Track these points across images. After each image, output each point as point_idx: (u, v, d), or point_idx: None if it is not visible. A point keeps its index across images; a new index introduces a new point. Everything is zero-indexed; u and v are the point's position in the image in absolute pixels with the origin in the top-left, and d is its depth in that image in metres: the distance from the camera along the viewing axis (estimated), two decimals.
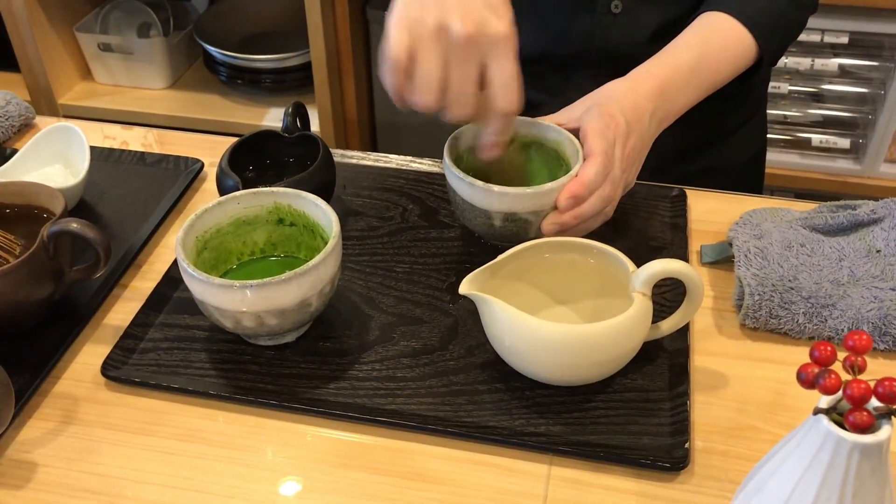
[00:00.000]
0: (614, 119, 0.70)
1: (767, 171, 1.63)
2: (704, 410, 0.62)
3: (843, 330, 0.66)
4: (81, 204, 0.81)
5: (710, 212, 0.80)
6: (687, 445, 0.58)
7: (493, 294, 0.61)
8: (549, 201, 0.68)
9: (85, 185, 0.80)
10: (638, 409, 0.61)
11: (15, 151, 0.84)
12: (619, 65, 0.76)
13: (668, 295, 0.70)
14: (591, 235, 0.69)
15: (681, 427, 0.60)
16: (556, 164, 0.75)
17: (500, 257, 0.64)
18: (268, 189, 0.68)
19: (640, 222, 0.78)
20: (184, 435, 0.61)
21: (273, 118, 1.67)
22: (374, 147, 1.82)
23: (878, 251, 0.70)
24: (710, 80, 0.77)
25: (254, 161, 0.79)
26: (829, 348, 0.39)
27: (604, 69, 0.76)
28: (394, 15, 0.62)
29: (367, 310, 0.69)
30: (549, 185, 0.68)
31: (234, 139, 0.78)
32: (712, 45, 0.77)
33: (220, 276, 0.68)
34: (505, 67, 0.62)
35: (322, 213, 0.66)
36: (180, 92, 1.75)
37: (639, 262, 0.74)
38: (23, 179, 0.78)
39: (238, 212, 0.68)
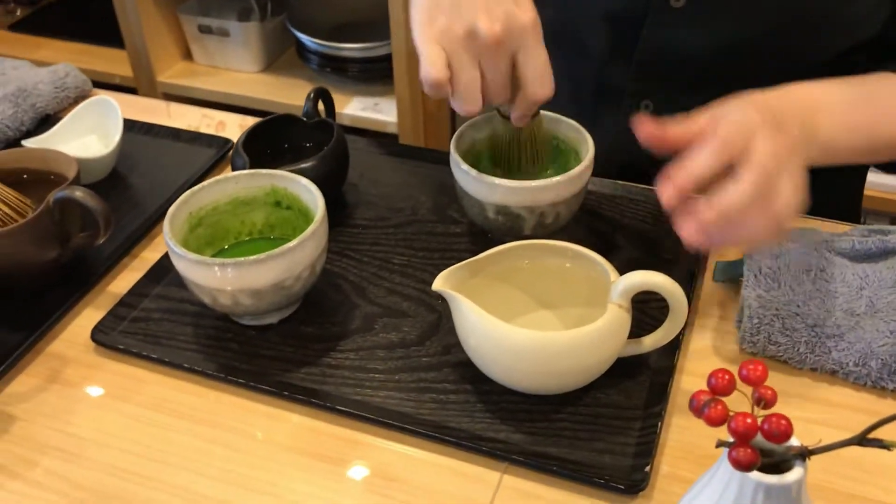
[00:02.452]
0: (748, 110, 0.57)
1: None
2: (680, 435, 0.59)
3: (847, 364, 0.61)
4: (113, 174, 0.84)
5: None
6: (648, 469, 0.55)
7: (472, 294, 0.59)
8: (544, 198, 0.66)
9: (117, 157, 0.83)
10: (606, 426, 0.59)
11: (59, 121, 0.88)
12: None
13: (652, 306, 0.66)
14: (587, 235, 0.67)
15: (646, 449, 0.56)
16: (574, 163, 0.72)
17: (478, 256, 0.62)
18: (266, 171, 0.68)
19: (655, 232, 0.74)
20: (154, 404, 0.62)
21: (356, 107, 1.70)
22: None
23: None
24: (873, 131, 0.65)
25: (273, 144, 0.80)
26: (727, 376, 0.35)
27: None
28: (419, 29, 0.63)
29: (355, 298, 0.69)
30: (542, 181, 0.66)
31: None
32: (884, 95, 0.66)
33: (215, 253, 0.69)
34: (535, 56, 0.62)
35: (313, 198, 0.66)
36: (271, 76, 1.80)
37: None
38: (59, 148, 0.82)
39: (236, 191, 0.69)
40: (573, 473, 0.55)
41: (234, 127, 0.94)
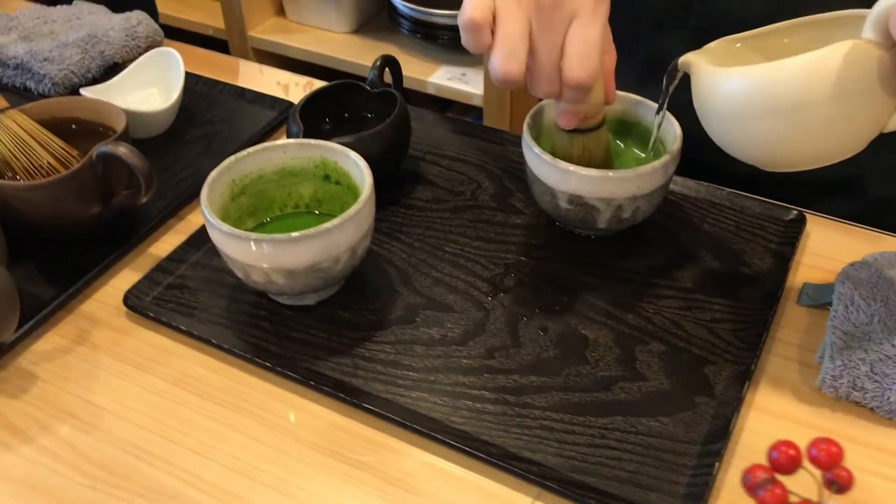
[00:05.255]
0: None
1: None
2: (740, 478, 0.52)
3: None
4: (171, 130, 0.81)
5: (834, 246, 0.68)
6: None
7: None
8: (622, 190, 0.60)
9: (177, 112, 0.80)
10: (657, 459, 0.52)
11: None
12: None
13: (725, 327, 0.59)
14: (660, 238, 0.60)
15: (698, 492, 0.50)
16: (657, 151, 0.66)
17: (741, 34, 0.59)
18: (316, 142, 0.64)
19: (740, 244, 0.67)
20: (177, 379, 0.59)
21: (442, 76, 1.64)
22: None
23: None
24: None
25: (334, 112, 0.75)
26: (792, 451, 0.29)
27: None
28: None
29: (398, 285, 0.64)
30: (622, 171, 0.60)
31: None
32: None
33: (257, 224, 0.65)
34: (585, 32, 0.54)
35: (361, 175, 0.61)
36: (361, 38, 1.75)
37: (722, 291, 0.64)
38: (117, 99, 0.79)
39: (284, 161, 0.64)
40: None
41: (299, 92, 0.90)
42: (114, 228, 0.69)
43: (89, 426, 0.57)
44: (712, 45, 0.59)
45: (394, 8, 1.70)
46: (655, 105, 0.66)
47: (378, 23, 1.79)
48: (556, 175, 0.62)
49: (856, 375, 0.54)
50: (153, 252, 0.69)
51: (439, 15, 1.63)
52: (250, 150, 0.63)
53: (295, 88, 0.90)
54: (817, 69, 0.48)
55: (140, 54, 0.91)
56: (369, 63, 1.79)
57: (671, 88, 0.61)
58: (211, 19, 1.83)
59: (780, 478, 0.30)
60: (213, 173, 0.61)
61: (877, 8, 0.48)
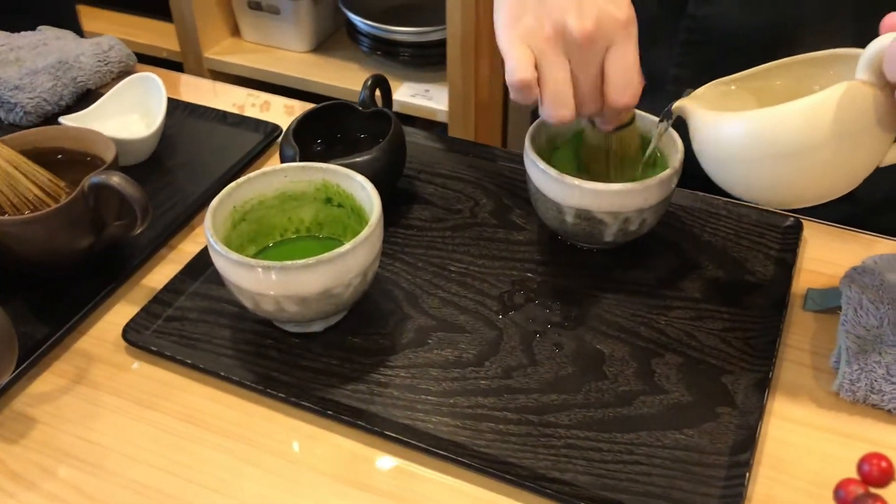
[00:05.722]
0: None
1: None
2: (768, 487, 0.52)
3: None
4: (154, 157, 0.78)
5: (832, 251, 0.69)
6: None
7: None
8: (630, 203, 0.60)
9: (160, 138, 0.78)
10: (686, 473, 0.52)
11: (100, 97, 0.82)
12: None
13: (737, 336, 0.60)
14: (663, 250, 0.60)
15: (731, 503, 0.50)
16: (659, 163, 0.67)
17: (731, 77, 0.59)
18: (317, 165, 0.63)
19: (741, 252, 0.67)
20: (185, 414, 0.57)
21: (405, 93, 1.63)
22: (503, 133, 1.75)
23: None
24: None
25: (325, 133, 0.74)
26: (884, 463, 0.29)
27: None
28: (503, 31, 0.57)
29: (407, 308, 0.63)
30: (629, 185, 0.60)
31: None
32: None
33: (259, 251, 0.64)
34: (622, 57, 0.56)
35: (368, 197, 0.60)
36: (320, 57, 1.74)
37: (730, 300, 0.64)
38: (97, 126, 0.76)
39: (284, 185, 0.63)
40: None
41: (279, 108, 0.88)
42: (104, 261, 0.67)
43: (94, 467, 0.54)
44: (701, 90, 0.60)
45: (353, 26, 1.69)
46: (652, 117, 0.66)
47: (337, 41, 1.78)
48: (564, 190, 0.62)
49: (873, 378, 0.55)
50: (147, 284, 0.67)
51: (399, 32, 1.63)
52: (250, 175, 0.62)
53: (252, 109, 0.88)
54: (817, 112, 0.50)
55: (113, 79, 0.89)
56: (330, 81, 1.79)
57: (664, 132, 0.62)
58: (164, 41, 1.80)
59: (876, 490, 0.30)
60: (215, 201, 0.59)
61: (869, 49, 0.49)
